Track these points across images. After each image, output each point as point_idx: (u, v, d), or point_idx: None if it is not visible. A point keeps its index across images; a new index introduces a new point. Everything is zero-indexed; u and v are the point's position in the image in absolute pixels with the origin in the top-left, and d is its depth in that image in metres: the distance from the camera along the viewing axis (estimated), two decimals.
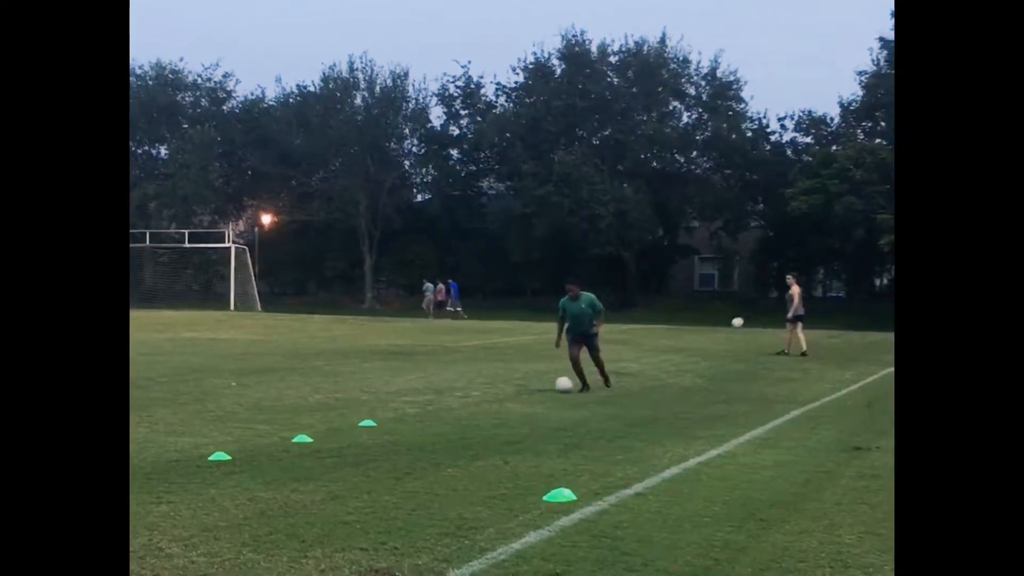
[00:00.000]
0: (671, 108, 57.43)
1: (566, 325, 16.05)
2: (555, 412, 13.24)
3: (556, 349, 16.52)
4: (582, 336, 15.95)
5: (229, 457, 9.42)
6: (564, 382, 15.72)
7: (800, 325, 24.95)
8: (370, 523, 7.04)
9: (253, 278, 54.96)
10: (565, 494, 7.91)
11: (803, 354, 24.07)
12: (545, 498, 7.86)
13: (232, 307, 51.68)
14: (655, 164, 57.04)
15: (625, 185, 54.00)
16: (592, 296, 16.13)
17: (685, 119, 58.04)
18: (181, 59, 66.42)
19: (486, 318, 45.04)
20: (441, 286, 49.76)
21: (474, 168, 63.04)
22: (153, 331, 31.01)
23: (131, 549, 6.27)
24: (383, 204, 58.37)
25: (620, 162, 55.95)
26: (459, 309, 48.00)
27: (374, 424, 11.72)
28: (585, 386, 15.74)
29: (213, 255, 56.54)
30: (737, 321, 26.13)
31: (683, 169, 57.92)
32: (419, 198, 65.13)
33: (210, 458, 9.38)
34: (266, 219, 61.52)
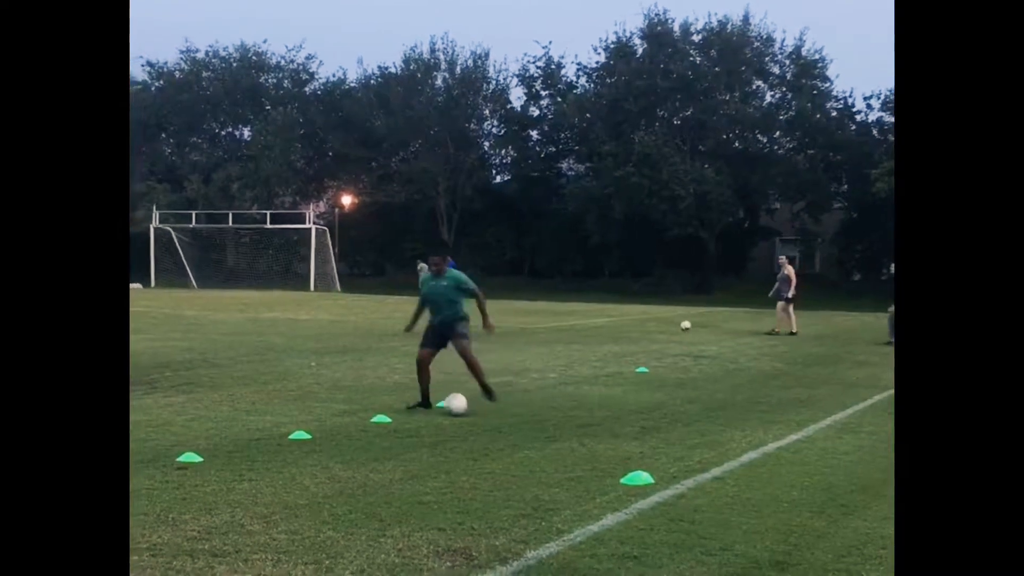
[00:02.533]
0: (754, 87, 56.76)
1: (425, 311, 12.31)
2: (632, 395, 13.19)
3: (406, 333, 13.12)
4: (441, 328, 11.91)
5: (309, 436, 9.53)
6: (460, 402, 11.25)
7: (793, 306, 25.68)
8: (447, 503, 7.08)
9: (333, 259, 55.47)
10: (642, 477, 7.88)
11: (792, 333, 24.95)
12: (622, 481, 7.83)
13: (312, 288, 52.22)
14: (737, 144, 56.44)
15: (706, 166, 53.53)
16: (460, 275, 12.20)
17: (768, 98, 57.33)
18: (265, 41, 67.16)
19: (563, 300, 44.96)
20: None
21: (553, 149, 62.93)
22: (235, 311, 31.49)
23: (214, 525, 6.39)
24: (462, 185, 58.56)
25: (701, 142, 55.49)
26: None
27: None
28: (425, 402, 11.50)
29: (294, 236, 57.14)
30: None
31: (765, 149, 57.21)
32: (498, 179, 65.22)
33: (290, 437, 9.50)
34: (346, 200, 62.04)
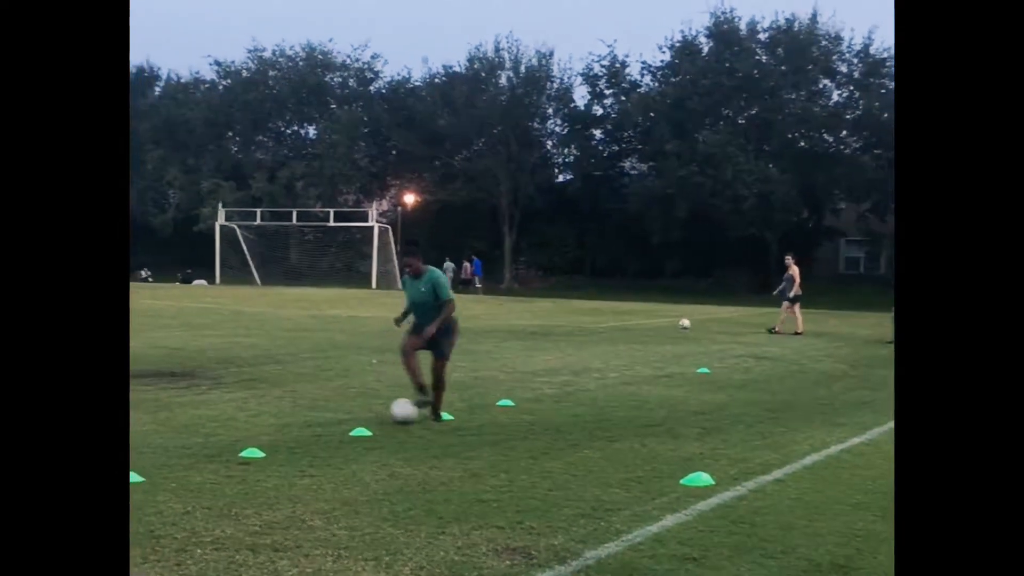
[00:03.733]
0: (821, 86, 56.13)
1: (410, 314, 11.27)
2: (693, 395, 13.11)
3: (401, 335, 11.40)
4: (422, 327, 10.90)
5: (370, 433, 9.59)
6: (403, 408, 10.45)
7: (798, 305, 25.81)
8: (507, 502, 7.08)
9: (395, 257, 55.78)
10: (703, 478, 7.83)
11: (797, 333, 25.02)
12: (683, 482, 7.79)
13: (374, 285, 52.52)
14: (802, 144, 55.87)
15: (771, 165, 53.06)
16: (438, 275, 10.93)
17: (835, 97, 56.64)
18: (331, 40, 67.78)
19: (623, 299, 44.82)
20: (466, 264, 50.65)
21: (616, 148, 62.74)
22: (297, 308, 31.77)
23: (275, 520, 6.45)
24: (524, 184, 58.59)
25: (766, 142, 54.98)
26: (479, 285, 50.13)
27: (512, 404, 11.79)
28: (424, 395, 10.70)
29: (357, 234, 57.53)
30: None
31: (831, 149, 56.56)
32: (560, 178, 65.15)
33: (351, 433, 9.56)
34: (409, 198, 62.34)
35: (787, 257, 27.34)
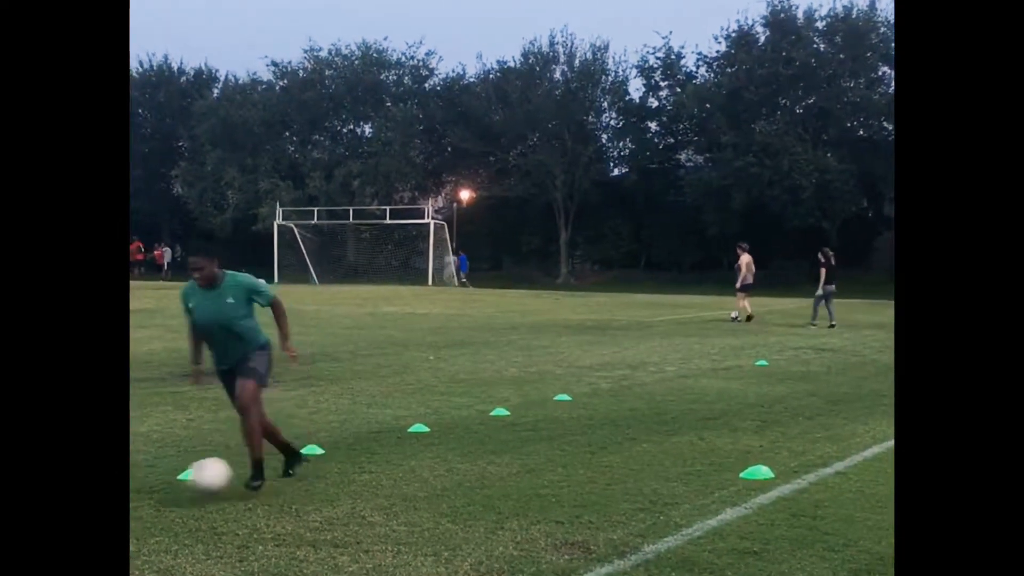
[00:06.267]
0: (880, 74, 55.34)
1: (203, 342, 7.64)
2: (751, 388, 13.01)
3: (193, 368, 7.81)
4: (231, 369, 7.46)
5: (428, 429, 9.63)
6: (210, 472, 6.94)
7: (746, 294, 26.62)
8: (565, 497, 7.08)
9: (450, 253, 55.90)
10: (762, 471, 7.77)
11: (749, 318, 25.92)
12: (742, 475, 7.74)
13: (430, 282, 52.70)
14: (861, 132, 55.17)
15: (828, 155, 52.45)
16: (245, 280, 7.63)
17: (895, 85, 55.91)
18: (385, 38, 67.99)
19: (680, 292, 44.58)
20: (452, 258, 51.62)
21: (672, 140, 62.33)
22: (354, 305, 31.96)
23: (335, 516, 6.50)
24: (579, 178, 58.43)
25: (824, 131, 54.37)
26: (464, 280, 50.89)
27: (569, 398, 11.77)
28: (257, 475, 7.16)
29: (412, 231, 57.66)
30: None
31: (891, 137, 55.81)
32: (615, 172, 64.88)
33: (409, 430, 9.61)
34: (464, 195, 62.42)
35: (739, 247, 27.92)
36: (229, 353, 7.42)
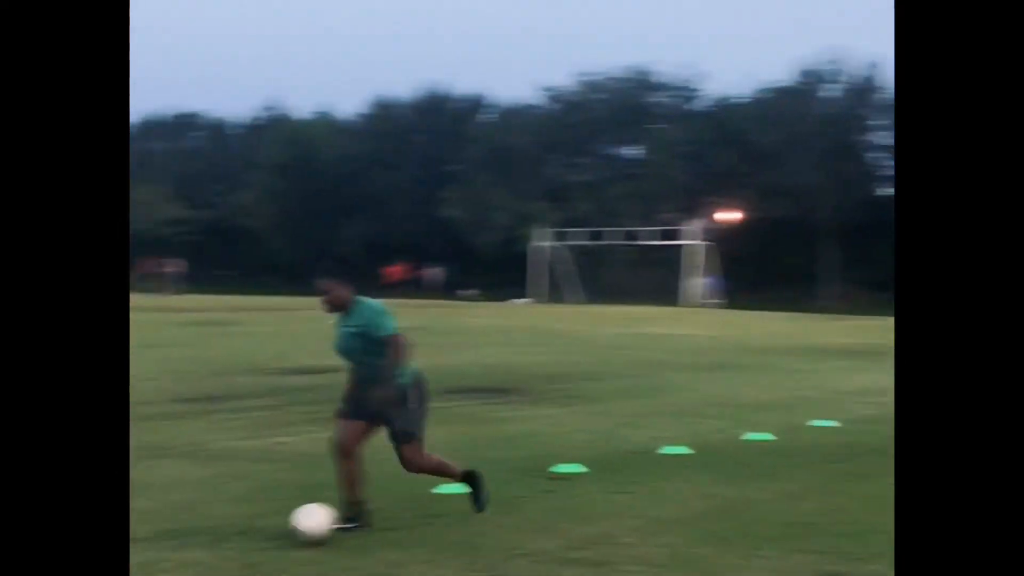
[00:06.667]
0: None
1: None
2: None
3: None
4: (364, 398, 6.61)
5: (684, 451, 9.57)
6: (310, 518, 6.29)
7: None
8: (825, 525, 6.89)
9: (710, 274, 55.37)
10: None
11: None
12: None
13: (689, 303, 52.36)
14: None
15: None
16: (375, 306, 6.71)
17: None
18: (656, 61, 68.34)
19: None
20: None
21: None
22: (615, 326, 32.12)
23: (590, 535, 6.55)
24: (847, 198, 56.76)
25: None
26: (723, 301, 52.04)
27: (831, 424, 11.44)
28: (354, 516, 6.58)
29: (676, 252, 57.52)
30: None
31: None
32: (888, 191, 62.61)
33: (665, 451, 9.57)
34: (728, 216, 61.71)
35: None
36: (362, 375, 6.68)
